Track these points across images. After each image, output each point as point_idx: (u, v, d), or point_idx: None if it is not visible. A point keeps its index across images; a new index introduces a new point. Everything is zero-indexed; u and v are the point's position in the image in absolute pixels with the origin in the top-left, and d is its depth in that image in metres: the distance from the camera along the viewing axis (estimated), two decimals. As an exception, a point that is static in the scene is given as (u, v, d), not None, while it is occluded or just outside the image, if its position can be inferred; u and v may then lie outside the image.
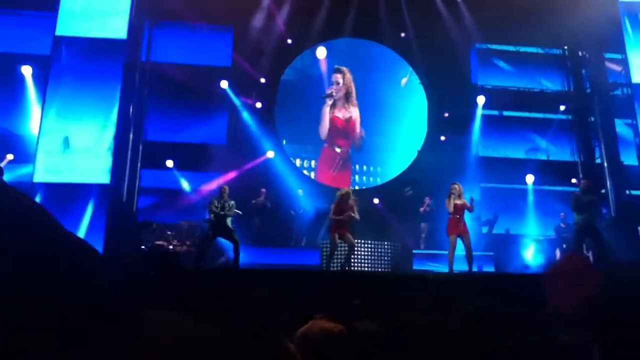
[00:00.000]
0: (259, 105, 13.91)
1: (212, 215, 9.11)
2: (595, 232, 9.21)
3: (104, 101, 11.00)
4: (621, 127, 13.88)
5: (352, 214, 9.02)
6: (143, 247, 10.37)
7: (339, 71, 14.68)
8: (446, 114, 14.50)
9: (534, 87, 14.93)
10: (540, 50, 15.08)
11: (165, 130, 13.31)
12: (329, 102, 14.46)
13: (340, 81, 14.64)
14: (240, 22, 13.82)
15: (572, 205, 9.31)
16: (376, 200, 13.44)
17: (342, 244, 9.43)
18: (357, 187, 14.08)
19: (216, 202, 9.16)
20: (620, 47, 12.97)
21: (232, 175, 12.67)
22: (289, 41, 14.35)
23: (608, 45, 14.00)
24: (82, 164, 10.51)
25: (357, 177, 14.80)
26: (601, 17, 12.80)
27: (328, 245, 10.33)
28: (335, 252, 9.46)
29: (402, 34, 14.65)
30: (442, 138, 14.24)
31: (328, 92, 14.41)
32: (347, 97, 14.70)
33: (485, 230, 12.85)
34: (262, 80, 14.01)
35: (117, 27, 11.38)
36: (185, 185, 12.93)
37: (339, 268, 9.62)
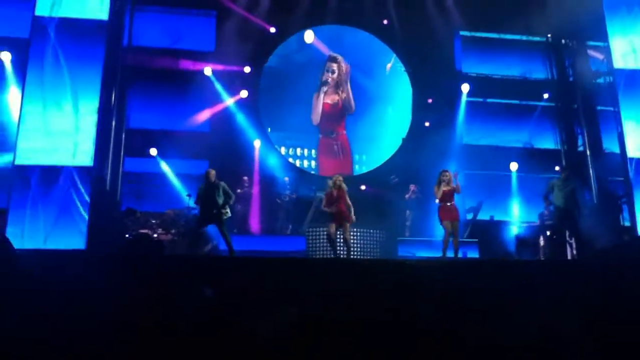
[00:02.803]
0: (244, 94, 13.79)
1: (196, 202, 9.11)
2: (572, 220, 9.42)
3: (85, 85, 10.74)
4: (604, 115, 13.97)
5: (344, 207, 9.21)
6: (127, 235, 10.30)
7: (334, 60, 14.75)
8: (430, 100, 14.57)
9: (518, 75, 14.99)
10: (523, 38, 15.13)
11: (148, 118, 13.17)
12: (324, 89, 14.50)
13: (336, 70, 14.70)
14: (223, 7, 13.68)
15: (546, 192, 9.55)
16: (363, 187, 13.49)
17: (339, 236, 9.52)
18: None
19: (203, 187, 9.08)
20: (602, 35, 13.00)
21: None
22: (272, 29, 14.21)
23: (590, 33, 14.04)
24: (64, 147, 10.27)
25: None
26: (584, 5, 12.84)
27: (316, 231, 10.49)
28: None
29: (385, 21, 14.64)
30: (427, 124, 14.27)
31: (323, 79, 14.62)
32: (337, 84, 14.75)
33: (469, 216, 12.93)
34: (247, 68, 13.88)
35: (98, 8, 11.09)
36: (168, 172, 12.85)
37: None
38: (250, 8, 13.81)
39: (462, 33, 14.93)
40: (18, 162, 9.81)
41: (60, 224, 9.58)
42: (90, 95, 10.38)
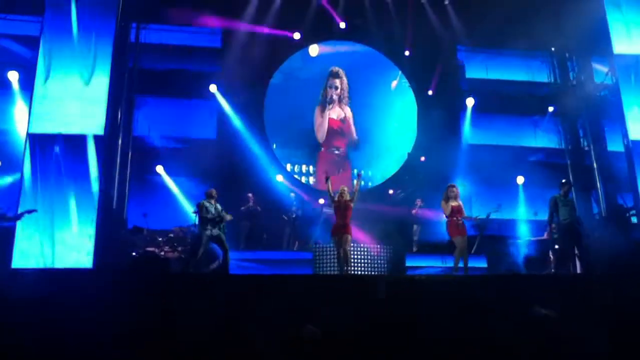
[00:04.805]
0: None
1: (204, 218, 9.08)
2: (576, 235, 9.31)
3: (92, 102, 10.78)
4: (610, 128, 13.91)
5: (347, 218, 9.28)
6: (134, 253, 10.27)
7: (337, 75, 14.90)
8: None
9: (522, 89, 14.99)
10: (527, 52, 15.15)
11: (154, 137, 13.26)
12: (329, 107, 14.74)
13: (339, 85, 14.83)
14: (229, 24, 13.79)
15: (550, 208, 9.45)
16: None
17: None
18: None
19: (207, 205, 9.15)
20: (606, 48, 12.99)
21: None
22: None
23: (595, 47, 14.04)
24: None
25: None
26: (588, 19, 12.87)
27: (322, 248, 10.44)
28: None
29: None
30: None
31: (329, 96, 14.85)
32: (340, 98, 14.85)
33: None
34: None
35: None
36: (175, 190, 12.88)
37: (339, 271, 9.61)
38: (256, 24, 13.89)
39: (465, 48, 15.00)
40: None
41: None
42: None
